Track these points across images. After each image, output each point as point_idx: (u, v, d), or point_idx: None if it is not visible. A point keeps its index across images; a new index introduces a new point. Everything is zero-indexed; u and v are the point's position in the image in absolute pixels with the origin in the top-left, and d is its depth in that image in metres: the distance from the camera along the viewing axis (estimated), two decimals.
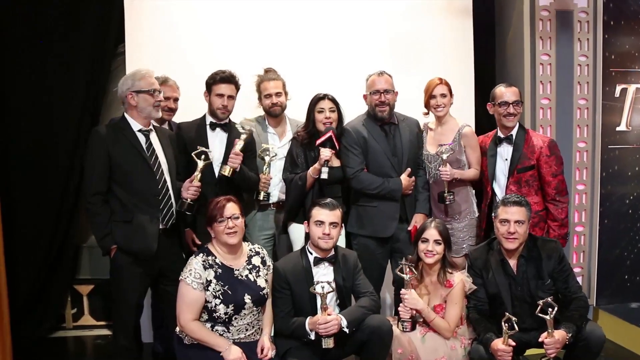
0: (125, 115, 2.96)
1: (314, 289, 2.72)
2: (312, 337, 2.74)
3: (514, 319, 2.69)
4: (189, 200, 2.95)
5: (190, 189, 2.96)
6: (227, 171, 3.08)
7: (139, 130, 2.94)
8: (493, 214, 3.02)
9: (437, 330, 2.91)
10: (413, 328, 2.91)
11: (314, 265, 2.89)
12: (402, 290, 2.92)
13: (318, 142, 3.16)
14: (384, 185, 3.21)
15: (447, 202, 3.23)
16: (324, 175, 3.10)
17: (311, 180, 3.21)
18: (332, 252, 2.92)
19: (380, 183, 3.21)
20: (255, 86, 3.47)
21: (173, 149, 3.09)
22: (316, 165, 3.16)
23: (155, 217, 2.90)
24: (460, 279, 2.97)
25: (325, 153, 3.11)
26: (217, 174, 3.19)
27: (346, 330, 2.71)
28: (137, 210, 2.87)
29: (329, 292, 2.73)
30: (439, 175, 3.24)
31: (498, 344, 2.71)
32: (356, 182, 3.24)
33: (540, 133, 3.78)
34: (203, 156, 3.01)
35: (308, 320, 2.75)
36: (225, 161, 3.14)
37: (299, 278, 2.84)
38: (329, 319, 2.67)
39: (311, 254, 2.91)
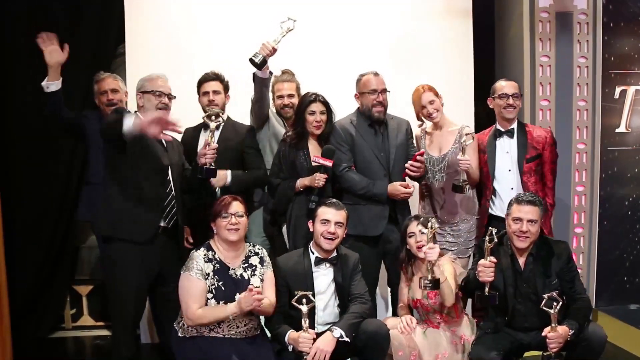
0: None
1: (295, 302, 2.69)
2: (290, 349, 2.73)
3: (494, 230, 2.75)
4: (207, 164, 2.91)
5: (208, 152, 2.91)
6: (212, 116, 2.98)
7: None
8: (506, 211, 2.99)
9: (443, 295, 2.87)
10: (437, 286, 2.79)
11: (315, 266, 2.89)
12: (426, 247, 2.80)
13: (316, 162, 3.12)
14: (369, 188, 3.20)
15: (465, 192, 3.20)
16: (312, 205, 3.03)
17: (298, 190, 3.21)
18: (334, 254, 2.92)
19: (365, 185, 3.21)
20: (271, 86, 3.47)
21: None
22: (308, 182, 3.13)
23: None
24: (449, 261, 3.01)
25: (320, 183, 3.09)
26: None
27: (347, 339, 2.70)
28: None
29: (310, 307, 2.69)
30: (457, 166, 3.20)
31: (480, 262, 2.76)
32: (343, 181, 3.25)
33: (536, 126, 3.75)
34: (213, 117, 2.98)
35: (289, 334, 2.73)
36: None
37: (299, 279, 2.84)
38: (306, 336, 2.64)
39: (313, 253, 2.91)
